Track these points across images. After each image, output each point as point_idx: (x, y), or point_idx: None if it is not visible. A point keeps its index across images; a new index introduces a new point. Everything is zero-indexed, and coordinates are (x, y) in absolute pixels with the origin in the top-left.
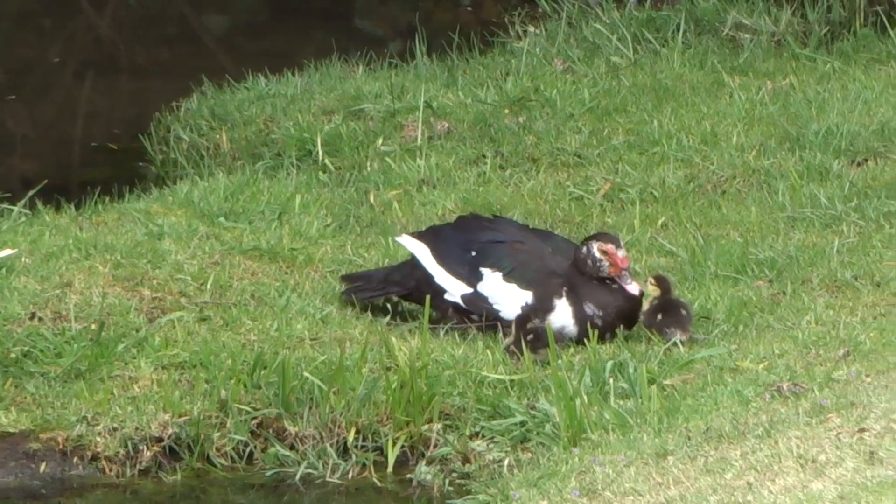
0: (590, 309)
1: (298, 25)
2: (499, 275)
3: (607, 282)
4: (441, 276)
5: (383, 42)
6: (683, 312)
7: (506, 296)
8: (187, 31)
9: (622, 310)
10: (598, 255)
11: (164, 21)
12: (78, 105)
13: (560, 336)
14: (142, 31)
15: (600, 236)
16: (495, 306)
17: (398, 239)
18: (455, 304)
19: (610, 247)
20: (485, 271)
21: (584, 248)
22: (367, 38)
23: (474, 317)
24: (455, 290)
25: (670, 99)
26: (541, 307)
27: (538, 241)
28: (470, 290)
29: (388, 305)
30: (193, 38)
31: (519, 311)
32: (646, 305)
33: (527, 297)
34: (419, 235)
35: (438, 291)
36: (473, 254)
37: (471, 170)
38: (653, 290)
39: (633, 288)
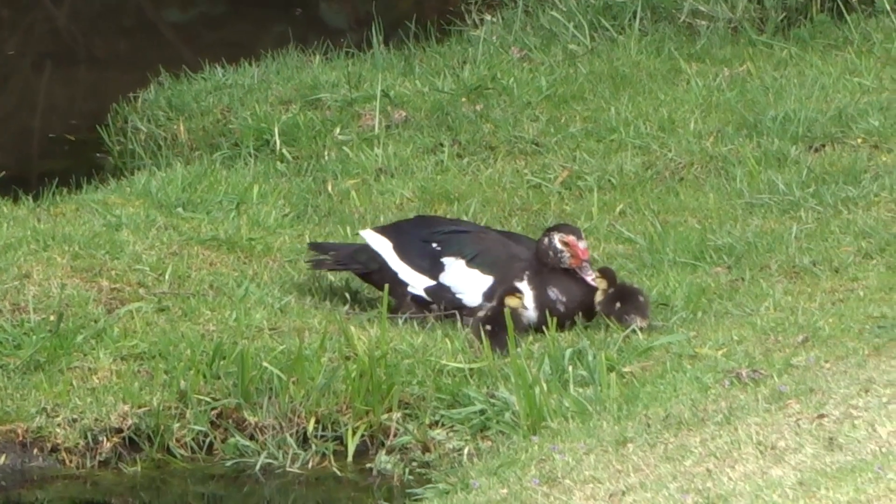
0: (553, 294)
1: (257, 16)
2: (462, 262)
3: (570, 271)
4: (404, 271)
5: (343, 32)
6: (641, 299)
7: (468, 282)
8: (145, 22)
9: (585, 299)
10: (559, 246)
11: (122, 12)
12: (36, 97)
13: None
14: (100, 22)
15: (562, 227)
16: (458, 295)
17: (361, 233)
18: (418, 297)
19: (571, 238)
20: (447, 260)
21: (546, 239)
22: (325, 27)
23: (433, 306)
24: (418, 283)
25: (627, 86)
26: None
27: (501, 235)
28: (433, 282)
29: (347, 295)
30: (152, 29)
31: (481, 298)
32: (599, 296)
33: (488, 281)
34: (381, 230)
35: (401, 284)
36: (435, 246)
37: (428, 158)
38: (600, 284)
39: (592, 278)
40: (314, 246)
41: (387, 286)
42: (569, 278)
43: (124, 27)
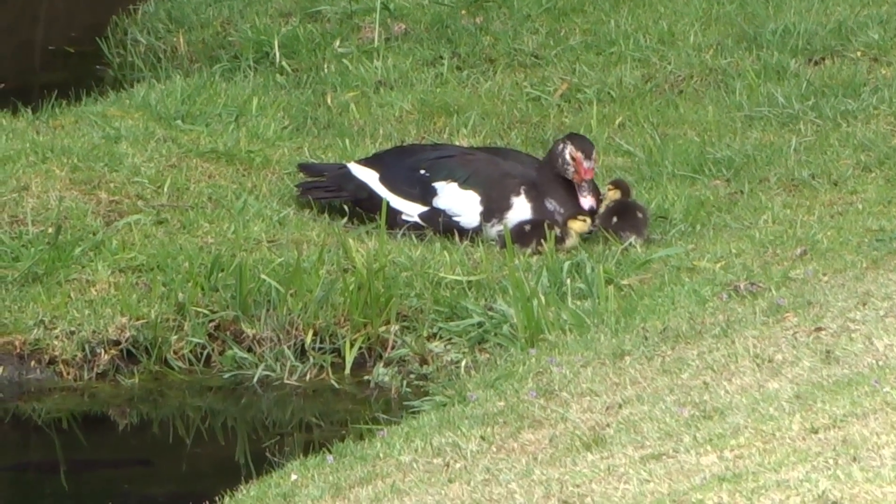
0: (551, 205)
1: None
2: (454, 185)
3: (567, 181)
4: (395, 200)
5: None
6: (640, 215)
7: (464, 204)
8: None
9: (583, 209)
10: (567, 157)
11: None
12: (38, 8)
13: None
14: None
15: (576, 140)
16: (454, 218)
17: (348, 165)
18: (413, 223)
19: (580, 155)
20: (439, 185)
21: (560, 146)
22: None
23: (428, 231)
24: (411, 210)
25: None
26: (497, 207)
27: (487, 153)
28: (426, 208)
29: (346, 207)
30: None
31: (479, 218)
32: (603, 208)
33: (484, 200)
34: (366, 162)
35: (394, 212)
36: (423, 172)
37: (428, 71)
38: (612, 194)
39: (586, 202)
40: (304, 167)
41: (385, 201)
42: (567, 188)
43: None
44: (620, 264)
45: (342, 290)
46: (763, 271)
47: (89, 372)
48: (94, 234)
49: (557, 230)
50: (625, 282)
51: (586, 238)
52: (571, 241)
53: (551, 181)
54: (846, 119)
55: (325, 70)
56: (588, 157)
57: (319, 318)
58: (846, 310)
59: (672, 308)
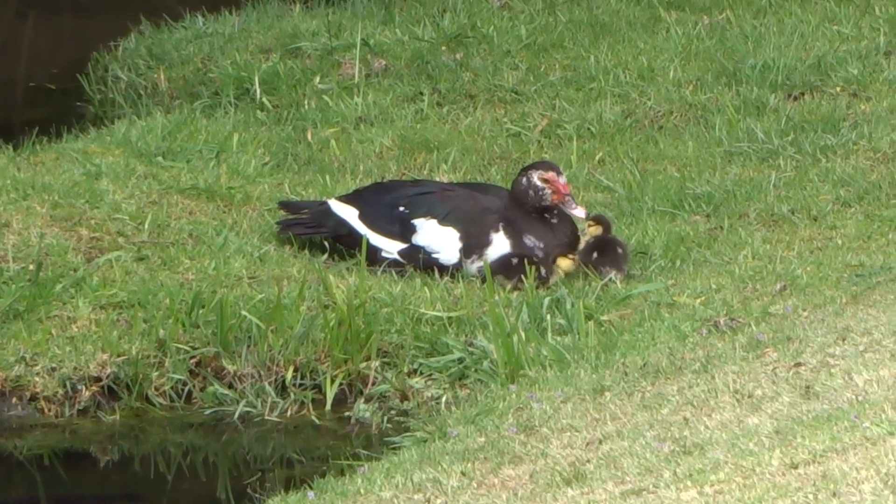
0: (530, 241)
1: None
2: (433, 221)
3: (546, 215)
4: (374, 238)
5: None
6: (619, 251)
7: (443, 241)
8: None
9: (561, 241)
10: (539, 183)
11: None
12: (20, 45)
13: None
14: None
15: (539, 165)
16: (433, 255)
17: (328, 202)
18: (393, 260)
19: (551, 174)
20: (418, 222)
21: (524, 179)
22: None
23: (408, 268)
24: (391, 247)
25: (607, 34)
26: (476, 243)
27: (466, 189)
28: (405, 245)
29: (326, 244)
30: None
31: (458, 255)
32: (583, 243)
33: (462, 237)
34: (346, 199)
35: (374, 249)
36: (402, 209)
37: (408, 107)
38: (593, 230)
39: (579, 212)
40: (285, 205)
41: (364, 238)
42: (542, 223)
43: None
44: (600, 300)
45: (323, 326)
46: (743, 307)
47: (70, 408)
48: (74, 271)
49: (543, 270)
50: (605, 317)
51: (567, 273)
52: (555, 278)
53: (523, 218)
54: (826, 154)
55: (306, 106)
56: (559, 172)
57: (300, 354)
58: (826, 345)
59: (652, 344)
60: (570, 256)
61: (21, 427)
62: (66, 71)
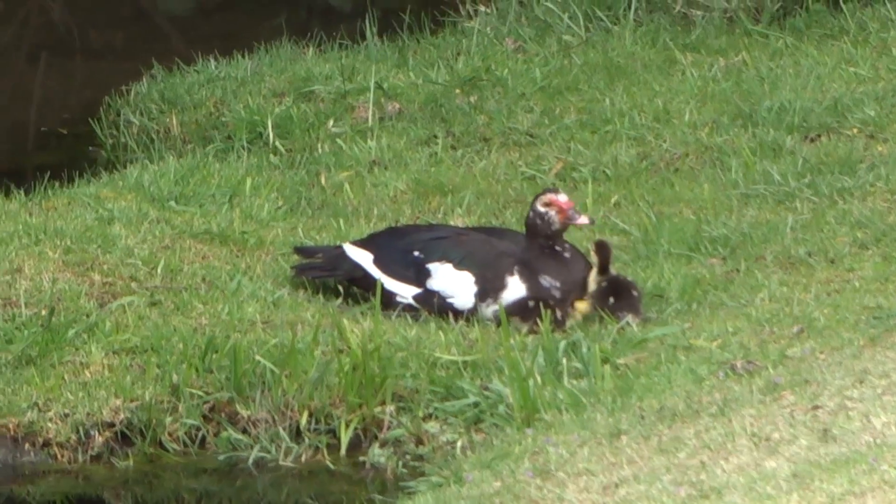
0: (546, 281)
1: (252, 6)
2: (449, 265)
3: (557, 248)
4: (389, 282)
5: (345, 16)
6: (635, 293)
7: (458, 285)
8: (142, 13)
9: (577, 277)
10: (542, 209)
11: (118, 3)
12: (31, 89)
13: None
14: (95, 13)
15: (539, 194)
16: (448, 300)
17: (343, 246)
18: (407, 305)
19: (549, 196)
20: (433, 266)
21: (531, 213)
22: (322, 17)
23: (423, 312)
24: (405, 292)
25: (622, 77)
26: (491, 287)
27: (481, 233)
28: (420, 289)
29: (340, 288)
30: (148, 20)
31: (473, 300)
32: (592, 285)
33: (478, 281)
34: (362, 244)
35: (388, 294)
36: (417, 254)
37: (422, 150)
38: (592, 258)
39: (584, 220)
40: (300, 250)
41: (379, 282)
42: (557, 260)
43: (120, 18)
44: (616, 343)
45: (337, 370)
46: (760, 349)
47: (83, 454)
48: (87, 316)
49: (559, 312)
50: (621, 361)
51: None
52: (572, 321)
53: (539, 255)
54: (843, 196)
55: (319, 150)
56: (557, 192)
57: (314, 398)
58: (843, 388)
59: (668, 387)
60: (586, 299)
61: (34, 473)
62: (78, 115)
